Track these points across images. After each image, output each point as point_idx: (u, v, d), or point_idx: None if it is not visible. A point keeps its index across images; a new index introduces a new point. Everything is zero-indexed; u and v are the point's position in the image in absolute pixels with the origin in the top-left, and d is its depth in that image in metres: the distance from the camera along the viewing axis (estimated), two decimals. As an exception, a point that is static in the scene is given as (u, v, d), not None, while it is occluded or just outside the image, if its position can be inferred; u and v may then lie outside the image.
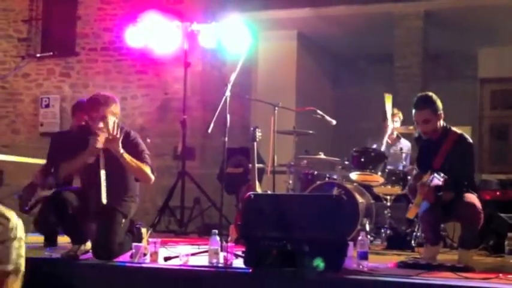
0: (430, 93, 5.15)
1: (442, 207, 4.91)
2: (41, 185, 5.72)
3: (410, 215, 5.05)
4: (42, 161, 6.16)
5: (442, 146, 5.01)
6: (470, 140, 5.08)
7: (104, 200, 4.50)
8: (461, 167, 4.91)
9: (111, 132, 4.56)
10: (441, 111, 5.04)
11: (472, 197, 4.84)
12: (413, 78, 9.43)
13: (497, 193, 6.66)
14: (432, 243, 5.04)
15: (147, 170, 4.70)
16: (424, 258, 4.90)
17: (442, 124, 5.08)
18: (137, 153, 4.72)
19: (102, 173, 4.56)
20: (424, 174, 4.88)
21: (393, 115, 7.21)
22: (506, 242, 5.39)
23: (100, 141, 4.57)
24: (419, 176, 5.06)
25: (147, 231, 4.66)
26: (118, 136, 4.57)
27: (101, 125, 4.60)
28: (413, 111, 5.09)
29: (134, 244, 4.44)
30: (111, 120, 4.61)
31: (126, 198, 4.76)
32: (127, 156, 4.59)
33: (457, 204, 4.83)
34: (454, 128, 5.11)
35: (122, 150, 4.57)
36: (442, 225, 6.39)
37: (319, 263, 3.76)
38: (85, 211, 4.66)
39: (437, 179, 4.65)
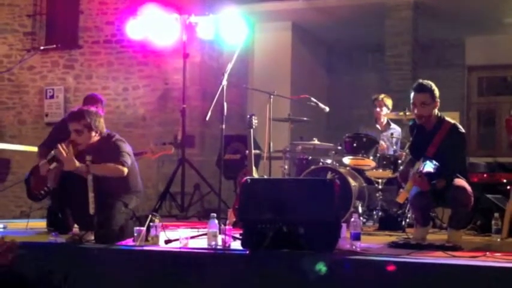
0: (431, 82, 5.08)
1: (432, 193, 4.90)
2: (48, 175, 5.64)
3: (400, 199, 5.04)
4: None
5: (435, 135, 4.94)
6: (463, 130, 5.02)
7: (92, 211, 4.51)
8: (454, 156, 4.86)
9: (63, 156, 4.58)
10: (438, 100, 4.99)
11: (462, 181, 4.83)
12: (404, 67, 9.40)
13: (485, 175, 6.66)
14: (422, 225, 5.04)
15: (118, 167, 4.66)
16: (414, 238, 4.90)
17: (437, 113, 5.02)
18: (115, 154, 4.70)
19: (89, 184, 4.57)
20: (417, 161, 4.86)
21: (381, 101, 7.22)
22: (493, 222, 5.37)
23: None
24: (412, 162, 5.03)
25: (156, 218, 4.63)
26: (67, 156, 4.57)
27: (53, 165, 4.75)
28: (413, 93, 5.01)
29: (136, 228, 4.43)
30: (60, 147, 4.62)
31: (126, 194, 4.77)
32: (93, 167, 4.58)
33: (448, 190, 4.81)
34: (447, 118, 5.05)
35: (78, 164, 4.58)
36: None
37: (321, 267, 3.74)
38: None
39: (430, 166, 4.63)
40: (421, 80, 5.16)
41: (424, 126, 5.06)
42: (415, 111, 5.01)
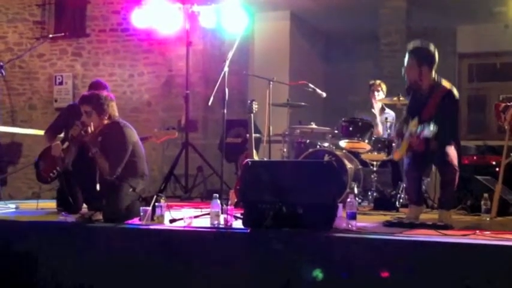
0: (425, 46, 4.88)
1: (423, 159, 4.84)
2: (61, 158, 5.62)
3: (396, 156, 5.03)
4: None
5: (430, 98, 4.81)
6: (457, 97, 4.87)
7: (98, 188, 4.53)
8: (447, 122, 4.72)
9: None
10: (429, 65, 4.78)
11: (451, 154, 4.73)
12: (397, 54, 9.35)
13: (474, 158, 6.66)
14: (416, 203, 5.02)
15: (105, 169, 4.66)
16: (408, 217, 4.89)
17: (433, 78, 4.84)
18: (115, 149, 4.70)
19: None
20: (412, 119, 4.78)
21: (377, 86, 7.21)
22: (482, 202, 5.37)
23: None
24: (406, 120, 4.93)
25: (161, 198, 4.63)
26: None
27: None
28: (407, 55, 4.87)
29: (142, 208, 4.44)
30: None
31: (133, 177, 4.76)
32: (98, 155, 4.63)
33: (437, 156, 4.75)
34: (444, 83, 4.87)
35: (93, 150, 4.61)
36: (424, 187, 6.42)
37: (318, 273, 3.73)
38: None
39: (428, 131, 4.53)
40: (413, 42, 4.97)
41: (420, 88, 4.88)
42: (409, 75, 4.86)
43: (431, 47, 4.87)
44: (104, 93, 5.02)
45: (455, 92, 4.86)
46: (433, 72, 4.85)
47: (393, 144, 5.12)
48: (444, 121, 4.69)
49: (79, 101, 4.90)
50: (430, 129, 4.54)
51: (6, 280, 4.35)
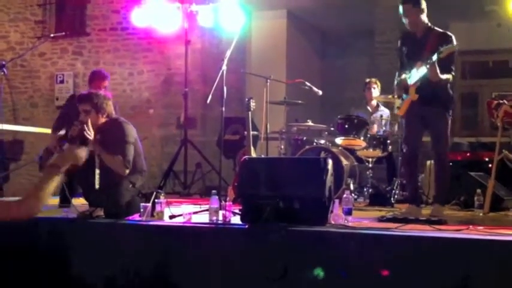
0: None
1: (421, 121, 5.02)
2: (57, 150, 5.65)
3: (401, 112, 5.16)
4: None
5: (427, 41, 4.99)
6: (454, 37, 5.02)
7: (97, 186, 4.50)
8: (447, 60, 4.86)
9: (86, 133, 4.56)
10: (423, 7, 5.05)
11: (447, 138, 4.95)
12: (392, 52, 9.36)
13: (468, 154, 6.67)
14: (412, 203, 5.06)
15: (122, 167, 4.60)
16: (403, 213, 4.91)
17: (425, 21, 5.08)
18: (119, 142, 4.68)
19: (96, 160, 4.55)
20: (415, 65, 4.96)
21: (372, 83, 7.22)
22: (475, 198, 5.38)
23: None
24: (405, 68, 5.13)
25: (161, 195, 4.62)
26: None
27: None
28: (400, 6, 5.11)
29: (142, 204, 4.43)
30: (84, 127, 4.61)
31: (133, 174, 4.75)
32: (103, 154, 4.57)
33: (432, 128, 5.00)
34: (436, 27, 5.12)
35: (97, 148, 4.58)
36: (419, 183, 6.44)
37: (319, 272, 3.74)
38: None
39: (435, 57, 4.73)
40: None
41: (414, 34, 5.11)
42: (405, 20, 5.09)
43: None
44: (101, 92, 5.02)
45: (450, 34, 5.04)
46: (425, 16, 5.10)
47: (399, 102, 5.21)
48: (444, 60, 4.80)
49: (78, 100, 4.89)
50: (435, 58, 4.72)
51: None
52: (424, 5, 5.08)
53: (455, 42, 4.96)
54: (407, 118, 5.17)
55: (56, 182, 2.65)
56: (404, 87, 5.10)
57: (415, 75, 4.97)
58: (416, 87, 4.97)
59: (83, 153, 2.98)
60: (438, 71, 4.80)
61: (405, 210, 5.12)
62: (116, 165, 4.59)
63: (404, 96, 5.11)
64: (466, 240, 3.55)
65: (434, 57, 4.74)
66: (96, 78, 6.26)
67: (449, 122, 5.06)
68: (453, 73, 5.02)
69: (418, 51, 4.99)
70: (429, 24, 5.12)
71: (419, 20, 5.05)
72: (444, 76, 4.89)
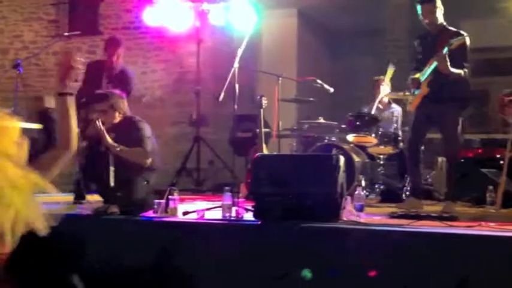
0: None
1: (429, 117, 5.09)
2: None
3: (412, 107, 5.26)
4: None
5: (440, 39, 5.08)
6: (467, 36, 5.12)
7: (112, 183, 4.53)
8: (458, 56, 4.96)
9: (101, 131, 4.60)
10: (440, 6, 5.21)
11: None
12: (402, 50, 9.34)
13: (479, 151, 6.64)
14: (413, 194, 5.08)
15: (143, 157, 4.67)
16: (403, 205, 4.96)
17: (441, 21, 5.22)
18: (137, 137, 4.71)
19: (111, 158, 4.58)
20: (421, 72, 5.10)
21: (381, 81, 7.19)
22: (487, 194, 5.36)
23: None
24: (419, 66, 5.24)
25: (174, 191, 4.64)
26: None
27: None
28: (419, 6, 5.23)
29: (156, 200, 4.45)
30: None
31: (147, 172, 4.77)
32: (121, 149, 4.60)
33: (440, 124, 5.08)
34: (449, 27, 5.24)
35: (111, 142, 4.63)
36: (429, 179, 6.43)
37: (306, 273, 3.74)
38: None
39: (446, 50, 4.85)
40: None
41: (429, 33, 5.24)
42: (426, 20, 5.22)
43: None
44: (116, 91, 5.07)
45: (463, 32, 5.15)
46: (442, 16, 5.24)
47: (410, 98, 5.29)
48: (454, 56, 4.91)
49: (94, 99, 4.92)
50: (445, 50, 4.83)
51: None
52: (439, 4, 5.18)
53: (468, 39, 4.99)
54: (416, 112, 5.27)
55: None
56: (417, 84, 5.15)
57: (427, 71, 5.00)
58: (427, 82, 5.03)
59: None
60: (448, 63, 4.82)
61: (406, 202, 5.15)
62: (136, 156, 4.63)
63: (416, 91, 5.15)
64: (477, 236, 3.54)
65: (445, 50, 4.82)
66: (111, 44, 6.39)
67: (460, 119, 5.06)
68: (465, 69, 5.02)
69: (432, 48, 5.08)
70: (444, 23, 5.21)
71: (435, 19, 5.16)
72: (455, 70, 4.90)
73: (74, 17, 10.86)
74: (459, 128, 5.12)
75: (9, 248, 2.25)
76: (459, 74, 4.98)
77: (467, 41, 5.10)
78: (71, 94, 2.57)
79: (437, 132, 5.52)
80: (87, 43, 10.53)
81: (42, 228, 2.30)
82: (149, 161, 4.65)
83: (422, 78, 5.10)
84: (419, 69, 5.22)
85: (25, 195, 2.25)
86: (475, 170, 5.90)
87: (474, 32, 10.58)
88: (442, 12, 5.26)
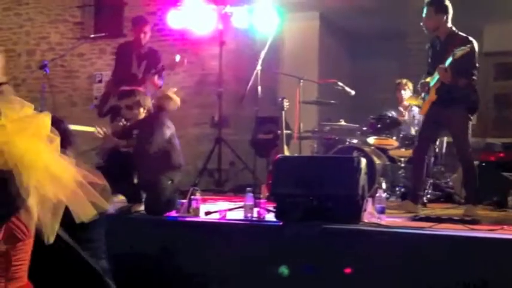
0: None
1: (438, 122, 5.10)
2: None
3: (423, 112, 5.28)
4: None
5: (448, 45, 5.04)
6: (475, 43, 5.09)
7: (136, 181, 4.58)
8: (465, 64, 4.92)
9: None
10: (446, 13, 5.14)
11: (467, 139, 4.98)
12: (423, 54, 9.27)
13: (501, 155, 6.57)
14: (409, 196, 5.18)
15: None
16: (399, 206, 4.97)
17: (450, 26, 5.15)
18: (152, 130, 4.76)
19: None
20: (431, 76, 5.09)
21: (403, 84, 7.18)
22: (509, 198, 5.32)
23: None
24: (430, 72, 5.23)
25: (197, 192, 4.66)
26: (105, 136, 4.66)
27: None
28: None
29: (179, 200, 4.48)
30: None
31: (171, 171, 4.79)
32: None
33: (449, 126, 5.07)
34: (460, 33, 5.17)
35: (117, 141, 4.75)
36: (449, 182, 6.38)
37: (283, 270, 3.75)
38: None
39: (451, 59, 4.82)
40: None
41: (438, 38, 5.20)
42: (424, 25, 5.25)
43: (446, 1, 5.23)
44: (141, 89, 5.14)
45: (471, 39, 5.08)
46: (449, 22, 5.17)
47: (421, 104, 5.30)
48: (462, 63, 4.88)
49: (120, 97, 4.98)
50: (448, 61, 4.82)
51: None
52: (449, 12, 5.14)
53: (476, 46, 4.95)
54: (425, 117, 5.28)
55: None
56: (427, 88, 5.14)
57: (435, 77, 5.01)
58: (436, 88, 5.02)
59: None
60: (450, 75, 4.78)
61: (401, 205, 5.17)
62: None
63: (426, 96, 5.16)
64: (499, 240, 3.51)
65: (448, 62, 4.82)
66: (137, 23, 6.51)
67: (469, 124, 5.05)
68: (474, 77, 5.00)
69: (440, 55, 5.07)
70: (453, 28, 5.16)
71: (441, 24, 5.13)
72: (461, 80, 4.89)
73: (99, 19, 10.97)
74: (469, 131, 5.09)
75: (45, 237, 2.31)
76: (466, 84, 4.95)
77: (475, 48, 5.04)
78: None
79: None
80: (112, 45, 10.60)
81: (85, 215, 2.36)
82: (151, 150, 4.63)
83: (431, 83, 5.10)
84: (431, 73, 5.20)
85: (66, 187, 2.30)
86: (496, 173, 5.84)
87: (496, 36, 10.58)
88: (450, 16, 5.18)
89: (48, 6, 11.16)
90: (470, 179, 4.98)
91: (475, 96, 5.08)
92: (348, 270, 3.58)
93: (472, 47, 4.96)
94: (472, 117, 5.13)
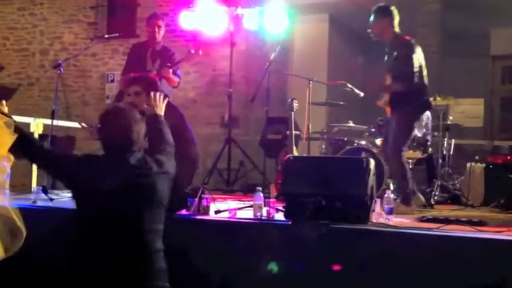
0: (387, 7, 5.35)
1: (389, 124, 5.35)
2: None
3: (388, 113, 5.48)
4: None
5: (394, 50, 5.23)
6: (411, 41, 5.21)
7: None
8: (401, 65, 5.11)
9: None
10: (391, 20, 5.29)
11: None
12: (432, 56, 9.23)
13: (508, 157, 6.54)
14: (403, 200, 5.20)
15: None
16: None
17: (396, 32, 5.29)
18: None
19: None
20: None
21: None
22: (516, 200, 5.30)
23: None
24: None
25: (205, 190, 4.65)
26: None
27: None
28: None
29: (190, 199, 4.48)
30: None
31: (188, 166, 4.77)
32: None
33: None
34: (406, 37, 5.28)
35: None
36: (457, 184, 6.35)
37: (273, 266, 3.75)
38: None
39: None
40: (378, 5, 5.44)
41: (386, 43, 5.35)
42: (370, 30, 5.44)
43: (392, 6, 5.36)
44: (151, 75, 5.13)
45: (408, 37, 5.24)
46: (396, 27, 5.30)
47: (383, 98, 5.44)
48: (399, 64, 5.09)
49: (129, 82, 4.87)
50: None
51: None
52: (394, 17, 5.27)
53: (415, 49, 5.16)
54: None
55: None
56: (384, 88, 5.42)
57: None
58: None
59: None
60: (387, 85, 5.20)
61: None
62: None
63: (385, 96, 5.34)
64: (506, 241, 3.50)
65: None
66: (151, 18, 6.62)
67: (402, 124, 5.26)
68: (414, 80, 5.16)
69: (388, 58, 5.31)
70: (398, 32, 5.28)
71: (385, 29, 5.30)
72: (396, 85, 5.15)
73: (112, 20, 11.02)
74: (405, 131, 5.29)
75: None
76: (402, 87, 5.13)
77: (413, 49, 5.17)
78: None
79: (466, 138, 5.51)
80: (124, 45, 10.64)
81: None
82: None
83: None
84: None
85: None
86: (504, 176, 5.82)
87: (504, 40, 10.53)
88: (396, 21, 5.30)
89: (63, 7, 11.22)
90: (397, 175, 5.33)
91: (410, 98, 5.20)
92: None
93: (409, 50, 5.12)
94: (416, 119, 5.37)
